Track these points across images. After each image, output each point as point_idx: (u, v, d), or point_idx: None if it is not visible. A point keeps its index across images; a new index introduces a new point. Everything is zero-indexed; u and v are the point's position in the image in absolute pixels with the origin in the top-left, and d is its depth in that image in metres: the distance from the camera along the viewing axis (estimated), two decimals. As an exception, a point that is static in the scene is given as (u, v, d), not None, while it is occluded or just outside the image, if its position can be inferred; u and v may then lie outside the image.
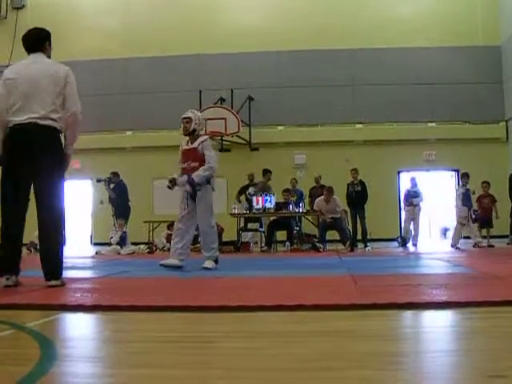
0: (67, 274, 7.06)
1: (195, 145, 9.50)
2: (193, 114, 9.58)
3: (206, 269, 9.20)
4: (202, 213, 9.43)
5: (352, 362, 2.96)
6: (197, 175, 9.31)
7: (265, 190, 17.92)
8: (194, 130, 9.53)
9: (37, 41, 6.83)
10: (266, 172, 18.75)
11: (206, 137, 9.82)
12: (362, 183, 17.59)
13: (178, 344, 3.60)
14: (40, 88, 6.50)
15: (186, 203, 9.47)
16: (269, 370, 2.84)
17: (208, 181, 9.46)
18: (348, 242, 16.42)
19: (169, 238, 18.83)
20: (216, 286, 6.87)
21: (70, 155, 6.84)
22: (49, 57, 6.92)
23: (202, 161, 9.39)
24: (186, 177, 9.37)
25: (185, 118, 9.56)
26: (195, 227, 9.67)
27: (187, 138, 9.66)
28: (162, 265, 9.23)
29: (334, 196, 17.11)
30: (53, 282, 6.40)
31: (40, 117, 6.45)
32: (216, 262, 9.52)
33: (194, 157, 9.45)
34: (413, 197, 18.41)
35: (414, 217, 18.43)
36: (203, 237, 9.60)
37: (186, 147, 9.62)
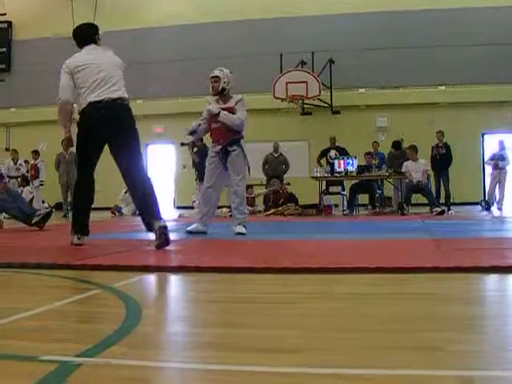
0: (151, 236, 7.17)
1: (231, 104, 9.05)
2: (221, 72, 9.09)
3: (240, 234, 8.77)
4: (235, 176, 8.97)
5: (433, 325, 2.95)
6: (226, 113, 8.92)
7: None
8: (224, 89, 9.03)
9: (92, 36, 7.31)
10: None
11: (242, 96, 9.32)
12: (446, 146, 17.26)
13: (259, 304, 3.64)
14: (113, 71, 7.05)
15: (216, 166, 9.02)
16: (347, 330, 2.86)
17: (238, 143, 9.05)
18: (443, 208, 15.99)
19: (247, 202, 18.95)
20: (297, 248, 6.88)
21: None
22: None
23: None
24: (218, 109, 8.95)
25: (213, 76, 9.08)
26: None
27: (215, 97, 9.21)
28: (188, 231, 8.99)
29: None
30: (162, 223, 6.66)
31: (119, 96, 6.94)
32: (245, 227, 9.01)
33: None
34: (499, 160, 18.05)
35: (499, 180, 18.10)
36: (237, 201, 9.11)
37: (219, 106, 9.06)
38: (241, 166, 9.06)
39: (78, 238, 6.99)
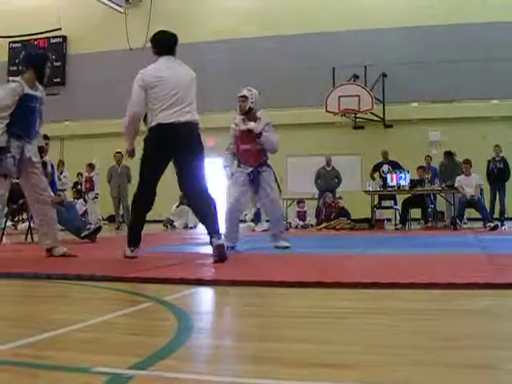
0: (203, 250, 7.21)
1: (259, 127, 9.01)
2: (249, 92, 9.10)
3: (286, 247, 8.91)
4: (274, 194, 9.18)
5: (487, 342, 2.90)
6: (266, 135, 8.97)
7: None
8: (251, 109, 9.03)
9: (174, 45, 7.32)
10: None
11: (269, 119, 9.27)
12: (503, 160, 17.13)
13: (310, 319, 3.63)
14: (188, 91, 7.04)
15: (247, 186, 9.15)
16: (399, 347, 2.82)
17: (267, 163, 9.20)
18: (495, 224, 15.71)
19: (299, 216, 19.00)
20: (348, 263, 6.86)
21: None
22: None
23: None
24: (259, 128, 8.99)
25: (241, 96, 9.10)
26: None
27: (242, 117, 9.18)
28: None
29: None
30: (219, 241, 6.80)
31: (188, 120, 6.95)
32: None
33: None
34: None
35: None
36: (279, 219, 9.36)
37: (246, 127, 9.08)
38: (275, 185, 9.23)
39: (132, 251, 7.08)
